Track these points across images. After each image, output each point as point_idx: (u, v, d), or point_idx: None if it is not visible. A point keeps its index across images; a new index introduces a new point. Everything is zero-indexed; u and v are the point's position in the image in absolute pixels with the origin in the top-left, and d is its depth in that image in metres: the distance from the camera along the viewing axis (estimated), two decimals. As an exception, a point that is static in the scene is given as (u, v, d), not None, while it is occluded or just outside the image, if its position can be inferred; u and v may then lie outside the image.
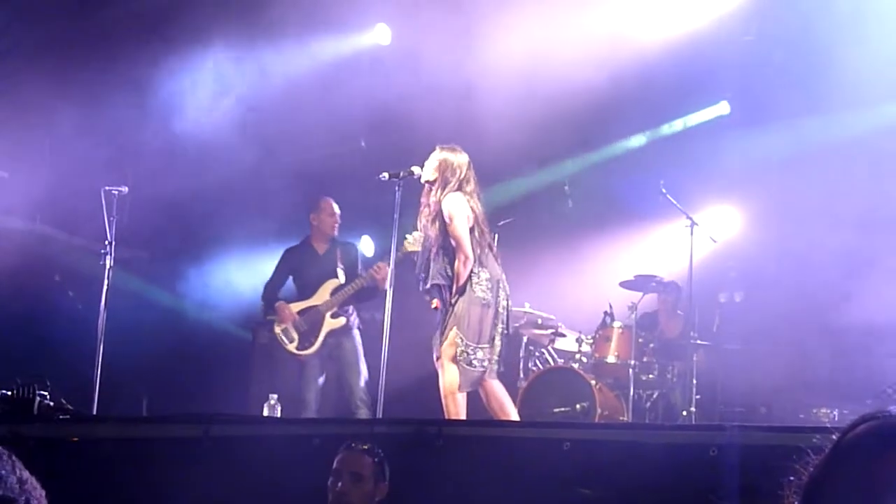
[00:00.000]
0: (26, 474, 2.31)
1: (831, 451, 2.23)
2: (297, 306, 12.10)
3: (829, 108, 12.74)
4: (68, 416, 9.37)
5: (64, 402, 9.68)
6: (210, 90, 13.67)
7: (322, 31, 13.75)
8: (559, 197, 13.51)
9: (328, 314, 12.00)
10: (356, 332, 12.15)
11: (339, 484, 6.67)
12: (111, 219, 10.90)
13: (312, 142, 14.20)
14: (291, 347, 12.00)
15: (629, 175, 13.53)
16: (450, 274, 9.70)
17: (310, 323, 12.01)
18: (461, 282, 9.61)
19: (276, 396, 11.42)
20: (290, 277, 12.39)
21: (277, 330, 12.09)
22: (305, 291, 12.23)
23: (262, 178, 14.17)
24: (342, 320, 12.02)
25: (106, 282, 10.84)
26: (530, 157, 13.96)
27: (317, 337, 11.99)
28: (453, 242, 9.65)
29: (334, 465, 6.77)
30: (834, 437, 2.27)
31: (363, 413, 11.67)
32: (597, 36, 13.05)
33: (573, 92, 12.78)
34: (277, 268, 12.46)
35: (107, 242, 10.88)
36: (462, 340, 9.51)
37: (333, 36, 13.94)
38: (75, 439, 8.65)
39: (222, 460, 8.11)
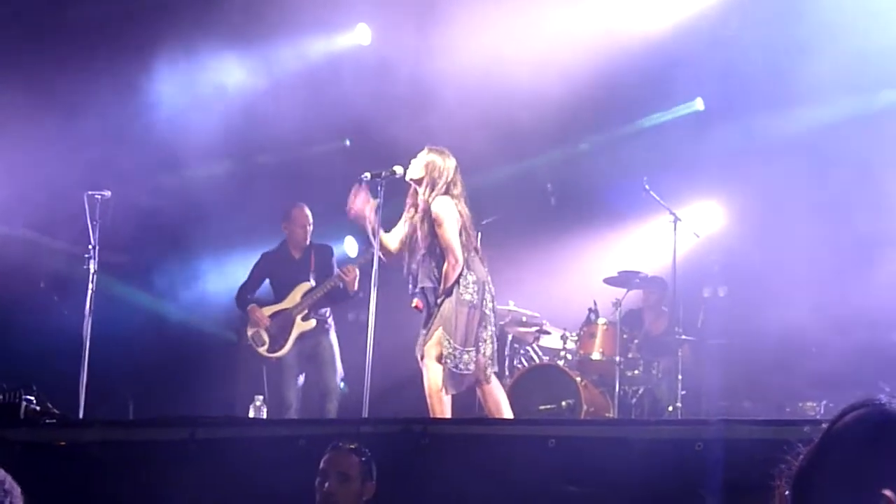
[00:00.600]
0: (7, 479, 2.33)
1: (821, 440, 2.25)
2: (268, 310, 12.18)
3: (809, 101, 12.77)
4: (54, 421, 9.37)
5: (50, 406, 9.68)
6: (193, 92, 13.65)
7: (304, 31, 13.76)
8: (542, 195, 13.51)
9: (298, 317, 12.07)
10: (332, 330, 12.22)
11: (327, 484, 6.68)
12: (94, 223, 10.89)
13: (296, 142, 14.20)
14: (262, 350, 12.09)
15: (612, 172, 13.55)
16: (437, 276, 9.71)
17: (280, 325, 12.09)
18: (448, 284, 9.63)
19: (261, 398, 11.46)
20: (267, 281, 12.44)
21: (249, 333, 12.16)
22: (279, 295, 12.32)
23: (245, 180, 14.16)
24: (312, 322, 12.08)
25: (90, 286, 10.84)
26: (511, 155, 13.95)
27: (287, 339, 12.07)
28: (442, 245, 9.66)
29: (321, 465, 6.77)
30: (823, 426, 2.29)
31: (334, 408, 11.74)
32: (577, 31, 13.09)
33: (553, 88, 12.80)
34: (252, 272, 12.55)
35: (90, 247, 10.88)
36: (449, 343, 9.52)
37: (315, 36, 13.96)
38: (62, 443, 8.65)
39: (209, 462, 8.12)
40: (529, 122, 13.10)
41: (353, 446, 6.85)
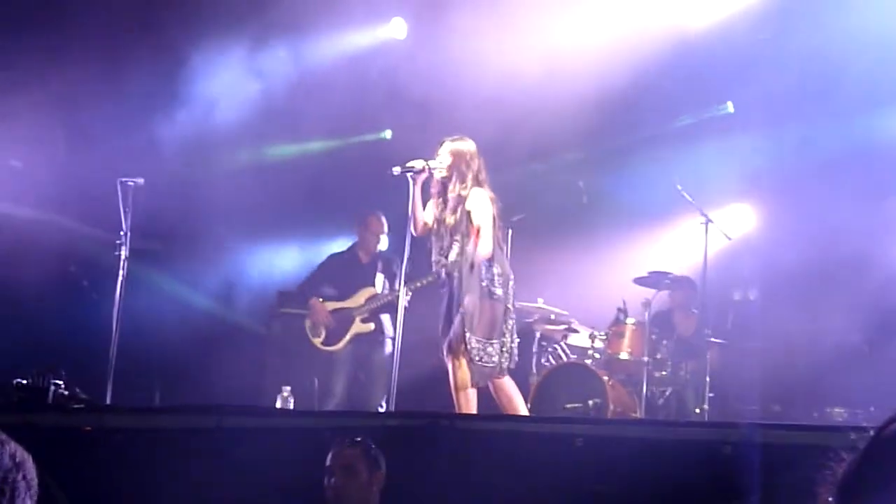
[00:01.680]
0: (19, 451, 2.31)
1: (867, 447, 2.22)
2: (331, 305, 12.27)
3: (846, 108, 12.70)
4: (82, 406, 9.40)
5: (78, 391, 9.72)
6: (229, 81, 13.67)
7: (340, 24, 13.75)
8: (574, 192, 13.49)
9: (358, 318, 12.20)
10: (388, 343, 12.19)
11: (332, 479, 6.71)
12: (126, 210, 10.91)
13: (332, 134, 14.20)
14: (317, 342, 12.21)
15: (644, 171, 13.51)
16: (463, 267, 9.68)
17: (339, 322, 12.23)
18: (473, 271, 9.60)
19: (289, 389, 11.47)
20: (328, 282, 12.50)
21: (307, 324, 12.32)
22: (342, 294, 12.40)
23: (278, 171, 14.17)
24: (370, 326, 12.20)
25: (121, 273, 10.86)
26: (544, 152, 13.92)
27: (343, 336, 12.21)
28: (474, 237, 9.62)
29: (327, 464, 6.81)
30: (869, 434, 2.26)
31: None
32: (612, 30, 13.04)
33: (587, 86, 12.77)
34: (316, 270, 12.80)
35: (122, 233, 10.91)
36: (474, 336, 9.50)
37: (352, 29, 13.94)
38: (89, 429, 8.66)
39: (235, 451, 8.12)
40: (563, 120, 13.05)
41: (355, 439, 6.87)
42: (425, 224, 9.90)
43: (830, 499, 2.26)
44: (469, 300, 9.55)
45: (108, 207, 11.11)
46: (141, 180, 11.00)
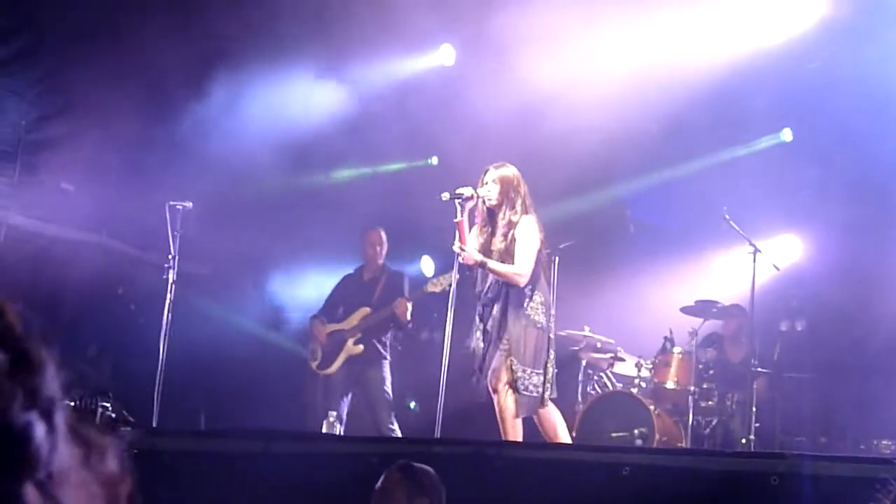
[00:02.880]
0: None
1: None
2: (329, 328, 12.34)
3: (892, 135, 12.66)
4: (129, 428, 9.44)
5: (125, 413, 9.77)
6: (278, 108, 13.73)
7: (389, 50, 13.79)
8: (621, 221, 13.48)
9: (350, 340, 12.21)
10: (385, 363, 12.25)
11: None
12: (175, 233, 10.97)
13: (380, 159, 14.25)
14: (314, 365, 12.26)
15: (692, 200, 13.49)
16: (507, 295, 9.68)
17: (333, 345, 12.24)
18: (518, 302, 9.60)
19: (334, 414, 11.48)
20: (340, 303, 12.57)
21: (309, 346, 12.43)
22: (344, 315, 12.44)
23: (326, 197, 14.22)
24: (360, 348, 12.16)
25: (168, 296, 10.92)
26: (592, 180, 13.92)
27: (335, 359, 12.21)
28: (517, 262, 9.61)
29: (381, 485, 6.74)
30: None
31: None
32: (662, 58, 13.03)
33: (635, 116, 12.79)
34: (331, 292, 12.79)
35: (170, 257, 10.96)
36: (518, 366, 9.49)
37: (400, 55, 13.98)
38: (136, 451, 8.70)
39: (281, 476, 8.14)
40: (611, 148, 13.05)
41: (401, 463, 6.81)
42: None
43: None
44: (515, 329, 9.55)
45: (157, 231, 11.18)
46: (189, 204, 11.06)
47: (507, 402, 9.52)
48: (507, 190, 9.71)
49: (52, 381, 1.55)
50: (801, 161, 13.56)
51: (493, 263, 9.56)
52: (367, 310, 12.25)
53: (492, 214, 9.79)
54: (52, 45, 13.04)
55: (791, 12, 13.03)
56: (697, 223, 13.34)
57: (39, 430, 1.48)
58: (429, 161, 14.56)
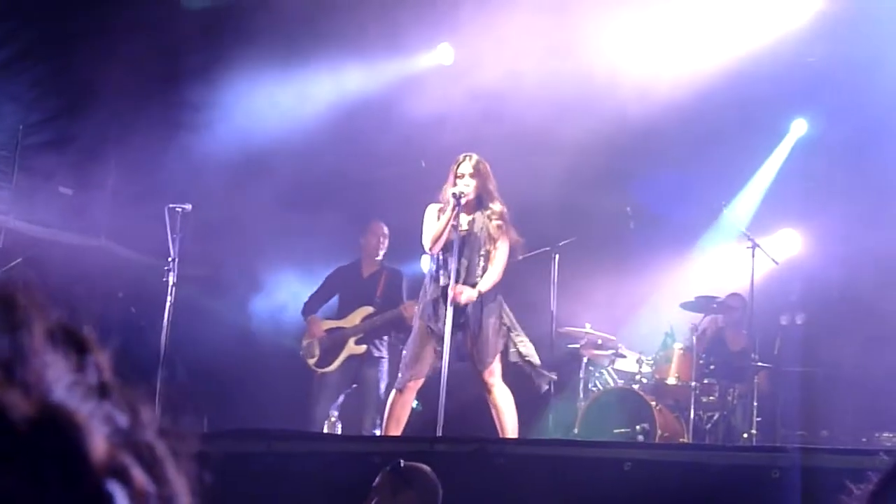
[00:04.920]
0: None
1: (893, 465, 2.23)
2: (327, 324, 12.21)
3: (890, 127, 12.67)
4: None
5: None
6: (274, 109, 13.73)
7: (385, 51, 13.78)
8: (621, 218, 13.47)
9: (353, 339, 12.06)
10: (383, 363, 12.19)
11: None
12: (174, 236, 10.97)
13: (374, 162, 14.24)
14: (311, 362, 12.09)
15: (691, 196, 13.48)
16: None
17: (333, 343, 12.09)
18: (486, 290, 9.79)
19: (336, 413, 11.46)
20: (336, 296, 12.52)
21: (304, 343, 12.24)
22: (341, 312, 12.35)
23: (323, 197, 14.21)
24: (363, 347, 12.05)
25: (169, 298, 10.93)
26: (591, 177, 13.91)
27: (336, 357, 12.07)
28: (494, 256, 9.76)
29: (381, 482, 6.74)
30: None
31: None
32: (658, 55, 13.05)
33: (634, 111, 12.77)
34: (323, 283, 12.66)
35: (170, 259, 10.97)
36: (518, 336, 9.87)
37: (397, 55, 13.97)
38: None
39: (284, 476, 8.15)
40: (610, 145, 13.05)
41: (394, 462, 6.81)
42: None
43: None
44: (505, 310, 9.75)
45: (156, 233, 11.18)
46: (189, 206, 11.07)
47: (505, 396, 9.64)
48: (486, 181, 9.83)
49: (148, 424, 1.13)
50: (800, 156, 13.56)
51: (483, 285, 9.79)
52: (369, 309, 12.14)
53: (467, 206, 9.86)
54: (49, 47, 13.04)
55: (789, 5, 13.05)
56: (697, 218, 13.34)
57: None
58: (423, 162, 14.51)
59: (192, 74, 13.49)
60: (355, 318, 12.16)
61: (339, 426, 11.43)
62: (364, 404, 12.04)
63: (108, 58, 12.85)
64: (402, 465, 6.75)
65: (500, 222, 9.86)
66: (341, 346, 12.07)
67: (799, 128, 13.85)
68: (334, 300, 12.60)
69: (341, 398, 12.12)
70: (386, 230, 12.46)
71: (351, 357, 12.08)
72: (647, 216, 13.56)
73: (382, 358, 12.16)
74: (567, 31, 12.93)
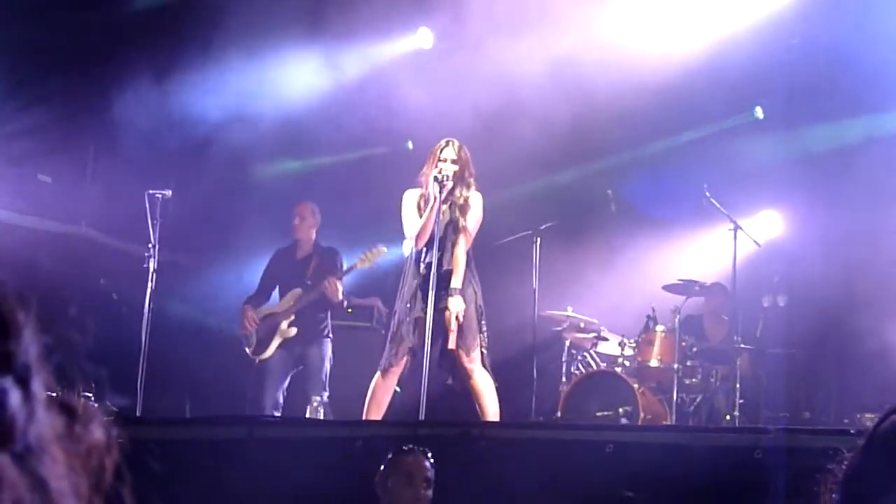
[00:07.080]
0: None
1: (867, 440, 2.23)
2: (262, 311, 12.09)
3: (872, 109, 12.68)
4: (112, 418, 9.41)
5: (108, 403, 9.73)
6: (255, 93, 13.70)
7: (366, 34, 13.74)
8: (602, 200, 13.47)
9: (284, 322, 11.92)
10: (326, 342, 12.04)
11: (390, 484, 6.62)
12: (154, 222, 10.94)
13: (357, 145, 14.22)
14: (249, 351, 11.98)
15: (672, 179, 13.48)
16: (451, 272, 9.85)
17: (267, 329, 11.95)
18: (458, 277, 9.78)
19: (318, 399, 11.41)
20: (274, 281, 12.40)
21: (241, 332, 12.07)
22: (280, 296, 12.23)
23: (306, 182, 14.19)
24: (294, 330, 11.90)
25: (150, 285, 10.90)
26: (572, 160, 13.92)
27: (269, 344, 11.94)
28: (462, 240, 9.76)
29: (402, 467, 6.67)
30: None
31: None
32: (639, 38, 13.05)
33: (615, 93, 12.77)
34: (264, 270, 12.48)
35: (150, 246, 10.94)
36: (483, 324, 9.82)
37: (376, 39, 13.94)
38: (120, 441, 8.68)
39: (266, 461, 8.14)
40: (590, 128, 13.06)
41: (416, 448, 6.81)
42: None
43: (835, 495, 2.26)
44: (469, 313, 9.78)
45: (136, 220, 11.14)
46: (169, 192, 11.04)
47: (486, 381, 9.66)
48: (465, 167, 9.83)
49: (29, 346, 1.43)
50: (779, 136, 13.56)
51: (456, 282, 9.79)
52: (299, 291, 11.96)
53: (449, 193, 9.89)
54: (24, 35, 12.98)
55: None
56: (678, 201, 13.33)
57: (14, 397, 1.37)
58: (406, 145, 14.46)
59: (174, 61, 13.44)
60: (285, 303, 12.03)
61: (322, 411, 11.38)
62: (307, 385, 11.88)
63: (86, 43, 12.81)
64: (429, 454, 6.75)
65: (465, 211, 9.89)
66: (274, 330, 11.91)
67: (778, 108, 13.84)
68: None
69: (286, 382, 12.01)
70: (313, 210, 12.28)
71: (288, 341, 11.96)
72: (628, 199, 13.56)
73: (325, 338, 12.02)
74: (550, 13, 12.92)
